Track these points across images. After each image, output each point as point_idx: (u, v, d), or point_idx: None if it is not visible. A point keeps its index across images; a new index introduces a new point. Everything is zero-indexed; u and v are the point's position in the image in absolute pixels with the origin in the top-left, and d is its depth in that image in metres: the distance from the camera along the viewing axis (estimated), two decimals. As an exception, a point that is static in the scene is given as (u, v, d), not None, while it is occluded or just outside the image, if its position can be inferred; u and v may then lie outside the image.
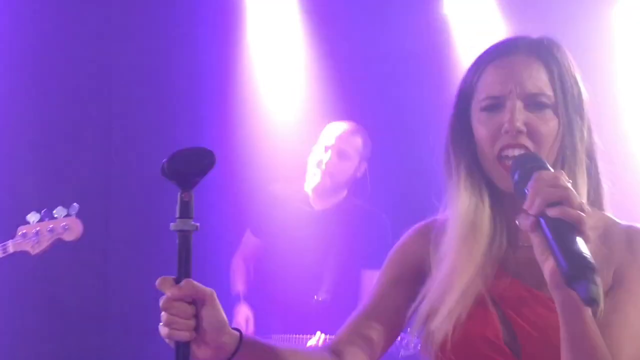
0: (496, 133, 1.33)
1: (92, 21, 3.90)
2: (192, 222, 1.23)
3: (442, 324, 1.32)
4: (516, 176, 1.23)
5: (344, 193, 3.27)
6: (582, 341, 1.18)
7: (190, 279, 1.19)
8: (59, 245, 2.78)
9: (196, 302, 1.19)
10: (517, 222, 1.21)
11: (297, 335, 3.17)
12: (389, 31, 4.00)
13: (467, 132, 1.38)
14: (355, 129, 3.26)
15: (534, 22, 3.93)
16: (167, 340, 1.18)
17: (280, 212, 3.28)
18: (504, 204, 1.38)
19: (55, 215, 2.78)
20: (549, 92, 1.35)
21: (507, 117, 1.32)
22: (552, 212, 1.13)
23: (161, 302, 1.17)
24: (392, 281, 1.44)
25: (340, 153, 3.19)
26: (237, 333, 1.23)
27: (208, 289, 1.20)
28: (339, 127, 3.26)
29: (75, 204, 2.78)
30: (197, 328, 1.18)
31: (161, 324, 1.18)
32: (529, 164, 1.23)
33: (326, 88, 3.97)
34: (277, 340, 3.17)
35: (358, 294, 3.16)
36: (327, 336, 3.03)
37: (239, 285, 3.36)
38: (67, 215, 2.77)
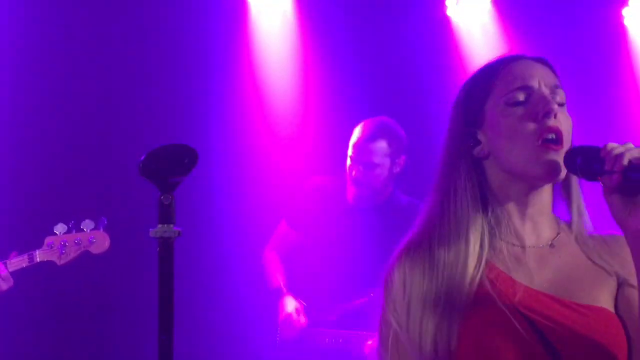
0: (535, 118, 1.34)
1: (97, 24, 3.88)
2: (174, 228, 1.15)
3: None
4: (579, 160, 1.30)
5: (388, 190, 3.18)
6: None
7: None
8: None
9: None
10: (601, 183, 1.27)
11: (353, 332, 3.09)
12: (391, 33, 3.97)
13: (472, 135, 1.40)
14: (375, 131, 3.12)
15: (541, 24, 3.90)
16: None
17: (321, 205, 3.20)
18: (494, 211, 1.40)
19: (83, 228, 2.85)
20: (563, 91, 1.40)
21: (544, 100, 1.34)
22: (638, 161, 1.23)
23: None
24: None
25: (365, 164, 3.11)
26: None
27: None
28: (359, 134, 3.13)
29: (103, 217, 2.87)
30: None
31: None
32: (585, 149, 1.31)
33: (325, 87, 3.93)
34: (331, 336, 3.11)
35: None
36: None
37: (278, 277, 3.25)
38: (95, 228, 2.86)
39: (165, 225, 1.15)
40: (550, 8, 3.87)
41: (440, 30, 4.01)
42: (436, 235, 1.37)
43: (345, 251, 3.13)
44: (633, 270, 1.30)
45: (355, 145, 3.12)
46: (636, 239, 1.27)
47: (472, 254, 1.35)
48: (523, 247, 1.38)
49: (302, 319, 3.13)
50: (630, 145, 1.27)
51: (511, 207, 1.39)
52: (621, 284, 1.36)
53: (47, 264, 3.01)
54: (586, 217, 1.42)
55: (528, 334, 1.29)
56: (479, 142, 1.39)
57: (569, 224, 1.42)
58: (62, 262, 2.86)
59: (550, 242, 1.39)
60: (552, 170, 1.33)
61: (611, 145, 1.27)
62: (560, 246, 1.39)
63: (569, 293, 1.34)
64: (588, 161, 1.29)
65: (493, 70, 1.40)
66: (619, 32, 4.08)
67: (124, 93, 3.90)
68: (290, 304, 3.15)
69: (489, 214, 1.39)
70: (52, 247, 2.85)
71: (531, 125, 1.34)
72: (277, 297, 3.21)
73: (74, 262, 3.64)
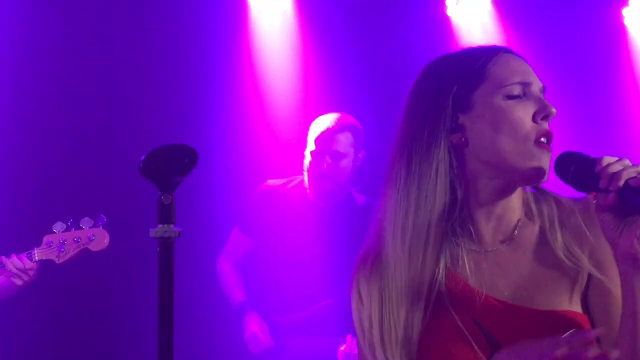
0: (534, 117, 1.30)
1: (98, 23, 3.88)
2: (175, 228, 1.15)
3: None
4: (572, 169, 1.26)
5: (348, 188, 3.15)
6: None
7: None
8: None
9: None
10: (594, 201, 1.23)
11: (319, 339, 3.06)
12: (391, 33, 3.96)
13: (453, 119, 1.32)
14: (339, 122, 3.10)
15: (541, 24, 3.90)
16: None
17: (277, 208, 3.14)
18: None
19: (82, 226, 2.83)
20: None
21: (544, 104, 1.31)
22: (635, 182, 1.18)
23: None
24: None
25: (332, 154, 3.08)
26: None
27: None
28: (322, 127, 3.09)
29: (102, 215, 2.84)
30: None
31: None
32: (579, 159, 1.26)
33: (325, 87, 3.92)
34: (302, 344, 3.08)
35: None
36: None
37: (238, 293, 3.20)
38: (94, 226, 2.83)
39: (166, 225, 1.15)
40: (550, 8, 3.86)
41: (440, 30, 4.01)
42: (392, 243, 1.31)
43: (310, 251, 3.08)
44: (605, 254, 1.27)
45: (320, 138, 3.07)
46: (626, 260, 1.22)
47: (429, 264, 1.30)
48: (484, 251, 1.33)
49: (268, 338, 3.09)
50: (627, 162, 1.21)
51: (479, 204, 1.32)
52: (591, 276, 1.30)
53: (48, 265, 3.00)
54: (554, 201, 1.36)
55: (484, 347, 1.27)
56: (460, 128, 1.31)
57: (534, 207, 1.36)
58: (61, 260, 2.83)
59: (511, 238, 1.33)
60: (541, 172, 1.29)
61: (607, 159, 1.22)
62: (523, 242, 1.34)
63: (530, 299, 1.29)
64: (582, 173, 1.24)
65: (487, 56, 1.34)
66: (619, 32, 4.08)
67: (124, 93, 3.89)
68: (256, 323, 3.11)
69: (455, 213, 1.32)
70: (50, 246, 2.83)
71: (529, 124, 1.29)
72: (241, 313, 3.15)
73: (74, 262, 3.65)
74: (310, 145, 3.11)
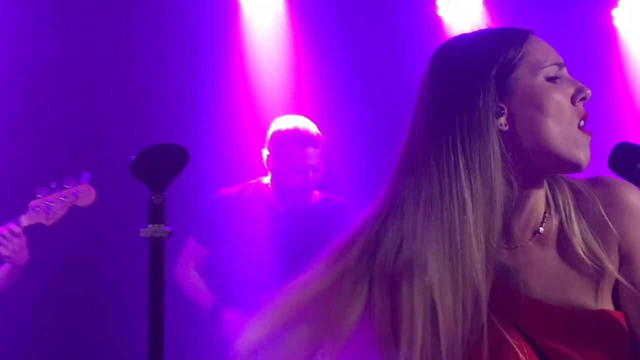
0: (573, 99, 1.24)
1: (85, 22, 3.85)
2: (165, 228, 1.15)
3: None
4: (639, 165, 1.20)
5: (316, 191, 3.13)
6: None
7: None
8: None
9: None
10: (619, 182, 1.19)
11: None
12: (383, 32, 3.96)
13: (496, 103, 1.22)
14: (313, 134, 3.01)
15: (531, 24, 3.91)
16: None
17: (234, 217, 3.08)
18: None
19: (66, 186, 2.79)
20: None
21: (581, 86, 1.25)
22: None
23: None
24: None
25: (312, 168, 3.00)
26: None
27: None
28: (296, 140, 2.99)
29: (85, 172, 2.80)
30: None
31: None
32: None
33: (316, 87, 3.92)
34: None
35: None
36: None
37: (207, 295, 3.13)
38: (78, 183, 2.80)
39: (156, 225, 1.15)
40: (541, 8, 3.88)
41: (431, 30, 4.01)
42: (437, 241, 1.18)
43: (275, 258, 3.00)
44: (634, 241, 1.21)
45: (296, 152, 2.99)
46: None
47: (480, 265, 1.17)
48: (513, 247, 1.24)
49: None
50: None
51: (516, 195, 1.22)
52: (621, 263, 1.22)
53: (38, 265, 2.95)
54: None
55: (529, 354, 1.19)
56: (502, 112, 1.22)
57: (550, 197, 1.26)
58: (51, 221, 2.78)
59: (538, 232, 1.25)
60: (584, 159, 1.21)
61: None
62: (548, 237, 1.25)
63: (559, 298, 1.22)
64: None
65: (521, 37, 1.26)
66: (609, 33, 4.10)
67: (115, 92, 3.88)
68: (238, 316, 3.02)
69: (512, 207, 1.22)
70: (37, 210, 2.77)
71: (570, 106, 1.23)
72: (217, 312, 3.09)
73: (64, 262, 3.63)
74: (280, 157, 3.03)
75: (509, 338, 1.18)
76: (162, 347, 1.16)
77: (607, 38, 4.09)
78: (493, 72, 1.22)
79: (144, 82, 3.87)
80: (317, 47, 3.99)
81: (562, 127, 1.21)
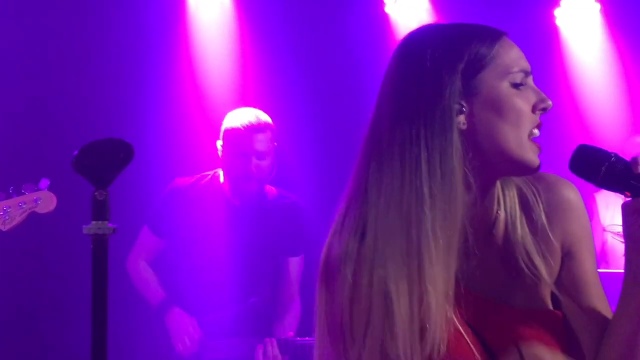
0: (534, 108, 1.25)
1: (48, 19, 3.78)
2: (109, 225, 1.12)
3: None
4: (604, 169, 1.21)
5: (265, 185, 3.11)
6: None
7: None
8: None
9: None
10: (630, 199, 1.19)
11: (238, 340, 3.01)
12: (330, 30, 3.98)
13: (457, 102, 1.22)
14: (263, 122, 3.02)
15: (473, 21, 3.97)
16: None
17: (191, 208, 3.04)
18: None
19: (24, 192, 2.79)
20: None
21: (544, 96, 1.25)
22: None
23: None
24: None
25: (259, 155, 2.99)
26: None
27: None
28: (247, 126, 2.99)
29: (44, 178, 2.80)
30: None
31: None
32: (603, 154, 1.23)
33: (263, 82, 3.91)
34: (221, 346, 3.03)
35: (289, 289, 3.05)
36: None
37: (157, 291, 3.08)
38: (37, 189, 2.80)
39: (100, 222, 1.12)
40: (484, 7, 3.93)
41: (378, 27, 4.05)
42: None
43: (228, 250, 3.00)
44: (575, 239, 1.26)
45: (242, 139, 2.99)
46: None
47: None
48: (465, 246, 1.25)
49: (198, 334, 3.00)
50: None
51: (474, 194, 1.24)
52: (565, 259, 1.27)
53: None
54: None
55: (480, 352, 1.21)
56: (463, 111, 1.21)
57: (501, 196, 1.28)
58: (7, 227, 2.78)
59: (490, 232, 1.27)
60: (535, 165, 1.23)
61: None
62: (498, 236, 1.27)
63: (508, 297, 1.25)
64: (617, 173, 1.20)
65: (494, 38, 1.26)
66: (551, 33, 4.18)
67: (58, 87, 3.81)
68: (185, 319, 3.01)
69: (476, 209, 1.24)
70: None
71: (529, 115, 1.24)
72: (163, 311, 3.05)
73: (3, 261, 3.55)
74: (229, 144, 3.03)
75: (463, 333, 1.20)
76: (106, 345, 1.14)
77: (549, 37, 4.18)
78: (461, 67, 1.22)
79: (88, 76, 3.82)
80: (263, 42, 3.98)
81: (517, 134, 1.22)
